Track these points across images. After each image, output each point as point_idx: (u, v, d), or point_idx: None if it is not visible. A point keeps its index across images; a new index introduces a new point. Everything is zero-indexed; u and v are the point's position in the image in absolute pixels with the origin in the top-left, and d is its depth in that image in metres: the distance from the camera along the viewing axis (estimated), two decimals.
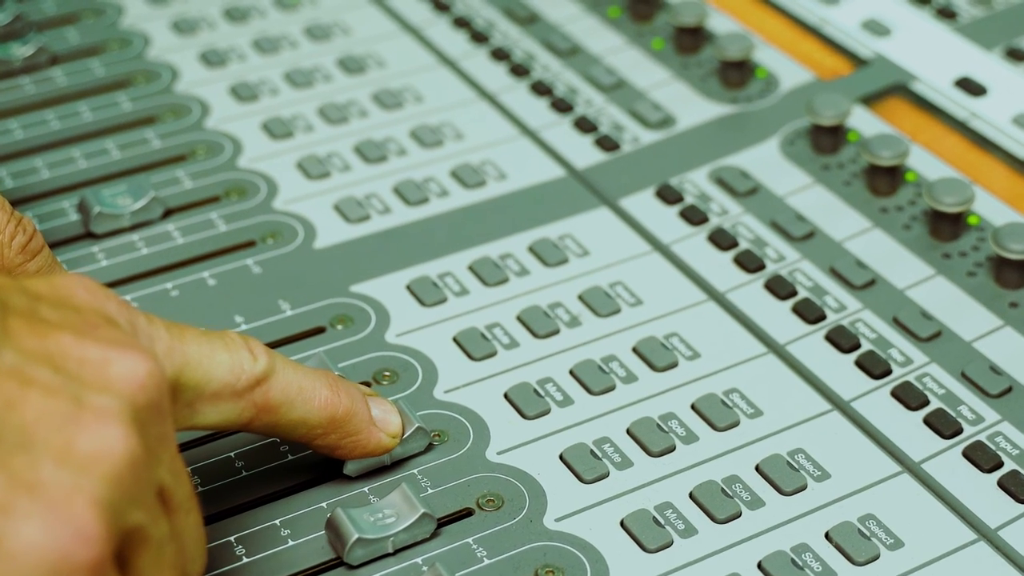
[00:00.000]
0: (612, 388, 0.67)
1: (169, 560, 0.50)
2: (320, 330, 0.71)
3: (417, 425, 0.63)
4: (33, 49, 0.88)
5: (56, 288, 0.52)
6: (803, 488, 0.63)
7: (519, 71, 0.88)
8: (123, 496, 0.47)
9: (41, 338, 0.48)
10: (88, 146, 0.83)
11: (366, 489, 0.62)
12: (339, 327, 0.71)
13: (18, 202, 0.78)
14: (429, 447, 0.64)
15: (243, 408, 0.57)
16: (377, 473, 0.63)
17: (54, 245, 0.75)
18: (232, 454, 0.64)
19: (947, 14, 0.90)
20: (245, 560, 0.60)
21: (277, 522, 0.61)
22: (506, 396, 0.67)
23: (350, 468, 0.62)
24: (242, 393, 0.56)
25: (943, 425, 0.65)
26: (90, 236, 0.76)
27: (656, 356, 0.69)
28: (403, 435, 0.63)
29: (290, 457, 0.64)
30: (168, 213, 0.78)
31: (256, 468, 0.63)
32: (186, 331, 0.55)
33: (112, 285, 0.73)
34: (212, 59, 0.90)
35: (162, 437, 0.51)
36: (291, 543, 0.60)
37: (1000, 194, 0.77)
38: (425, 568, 0.59)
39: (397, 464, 0.63)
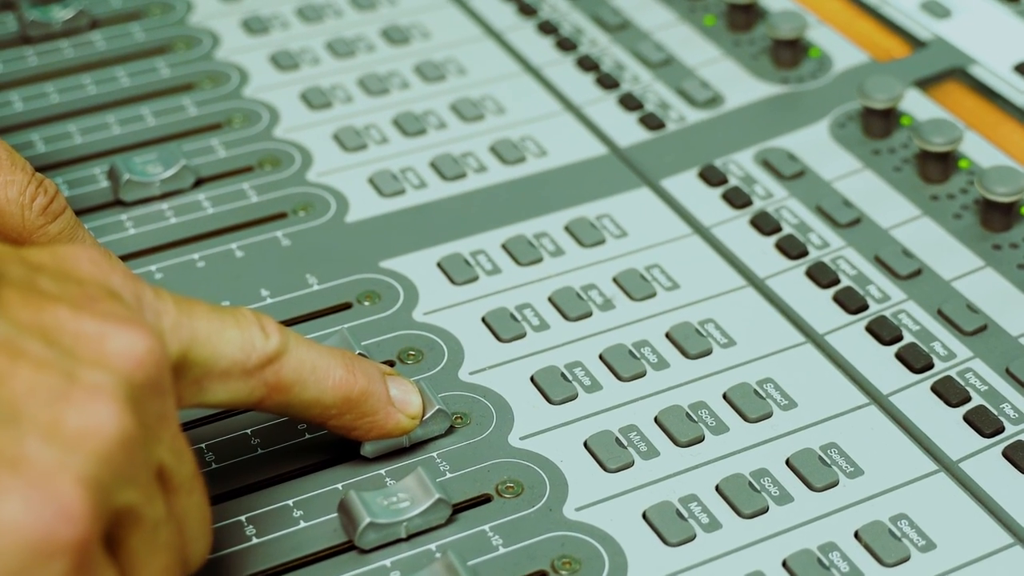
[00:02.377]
0: (642, 374, 0.65)
1: (164, 542, 0.49)
2: (347, 306, 0.69)
3: (438, 407, 0.61)
4: (73, 12, 0.87)
5: (59, 259, 0.50)
6: (834, 484, 0.60)
7: (566, 45, 0.86)
8: (113, 475, 0.46)
9: (36, 310, 0.47)
10: (123, 112, 0.81)
11: (383, 471, 0.61)
12: (366, 303, 0.69)
13: (49, 167, 0.77)
14: (450, 429, 0.62)
15: (254, 387, 0.55)
16: (395, 455, 0.61)
17: (83, 212, 0.74)
18: (248, 431, 0.63)
19: None
20: (255, 541, 0.58)
21: (290, 502, 0.60)
22: (532, 380, 0.65)
23: (367, 449, 0.61)
24: (253, 372, 0.55)
25: (984, 423, 0.63)
26: (119, 204, 0.75)
27: (689, 343, 0.67)
28: (423, 416, 0.61)
29: (307, 436, 0.63)
30: (200, 182, 0.76)
31: (272, 446, 0.62)
32: (196, 306, 0.53)
33: (138, 254, 0.72)
34: (255, 26, 0.88)
35: (162, 415, 0.49)
36: (303, 524, 0.59)
37: None
38: (438, 555, 0.57)
39: (416, 446, 0.61)
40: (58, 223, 0.64)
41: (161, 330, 0.51)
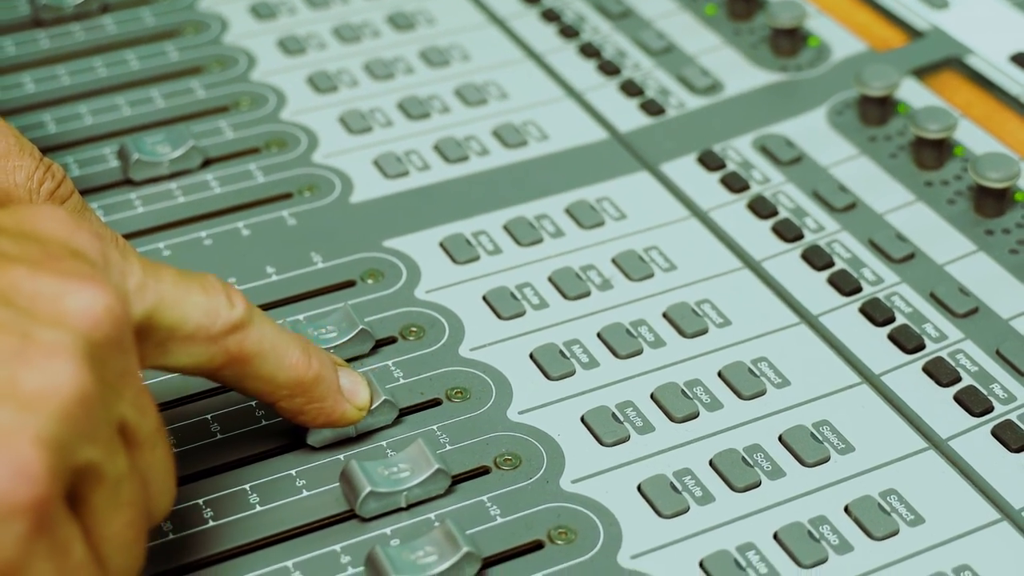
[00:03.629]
0: (639, 352, 0.67)
1: (127, 497, 0.50)
2: (350, 283, 0.70)
3: (385, 398, 0.62)
4: None
5: (21, 220, 0.51)
6: (826, 460, 0.62)
7: (568, 32, 0.88)
8: (72, 433, 0.46)
9: None
10: (133, 94, 0.83)
11: (384, 443, 0.62)
12: (369, 281, 0.70)
13: (60, 147, 0.78)
14: (397, 420, 0.63)
15: (215, 353, 0.56)
16: (393, 429, 0.63)
17: (93, 190, 0.75)
18: (253, 403, 0.64)
19: None
20: (259, 509, 0.60)
21: (293, 472, 0.61)
22: (531, 356, 0.66)
23: (313, 438, 0.62)
24: (216, 338, 0.55)
25: (973, 403, 0.64)
26: (128, 183, 0.76)
27: (686, 322, 0.68)
28: (371, 407, 0.62)
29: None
30: (207, 163, 0.78)
31: (276, 418, 0.63)
32: (163, 269, 0.54)
33: (147, 232, 0.73)
34: (262, 12, 0.90)
35: (123, 372, 0.50)
36: (305, 493, 0.60)
37: None
38: (437, 524, 0.58)
39: (364, 436, 0.62)
40: (65, 207, 0.64)
41: (126, 290, 0.51)
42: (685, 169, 0.77)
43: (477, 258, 0.72)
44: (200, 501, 0.60)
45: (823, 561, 0.58)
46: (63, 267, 0.49)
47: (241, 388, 0.58)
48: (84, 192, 0.73)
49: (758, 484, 0.61)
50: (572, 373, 0.65)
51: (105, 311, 0.48)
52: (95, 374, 0.47)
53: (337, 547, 0.58)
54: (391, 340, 0.67)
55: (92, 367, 0.47)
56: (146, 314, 0.53)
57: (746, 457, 0.62)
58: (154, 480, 0.52)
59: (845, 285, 0.70)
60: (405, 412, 0.64)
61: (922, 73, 0.83)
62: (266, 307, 0.68)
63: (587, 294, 0.70)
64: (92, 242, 0.51)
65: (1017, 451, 0.62)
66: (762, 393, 0.65)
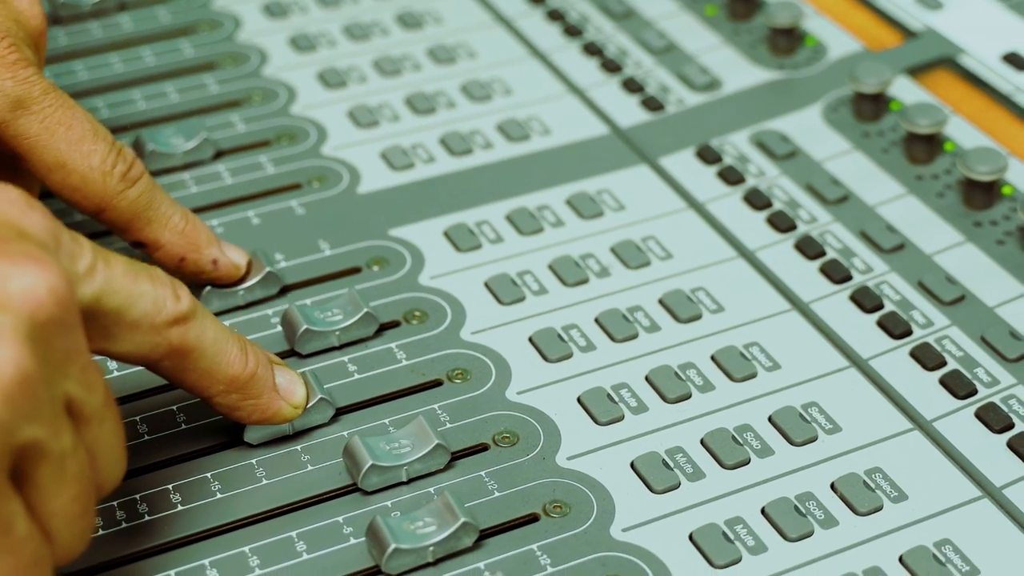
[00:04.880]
0: (635, 336, 0.69)
1: (73, 473, 0.51)
2: (356, 270, 0.73)
3: (321, 396, 0.63)
4: None
5: None
6: (813, 439, 0.64)
7: (572, 32, 0.90)
8: (13, 414, 0.47)
9: None
10: (148, 89, 0.85)
11: (386, 421, 0.64)
12: (375, 268, 0.73)
13: None
14: (335, 418, 0.65)
15: (157, 343, 0.57)
16: (397, 410, 0.65)
17: None
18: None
19: None
20: (265, 482, 0.62)
21: (298, 448, 0.63)
22: (530, 340, 0.69)
23: (251, 436, 0.63)
24: (160, 328, 0.57)
25: (958, 386, 0.66)
26: None
27: (681, 308, 0.70)
28: (307, 406, 0.63)
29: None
30: (220, 154, 0.80)
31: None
32: (113, 256, 0.55)
33: None
34: (275, 11, 0.92)
35: (68, 351, 0.50)
36: (310, 468, 0.62)
37: None
38: (436, 496, 0.61)
39: (300, 434, 0.64)
40: (136, 188, 0.67)
41: (74, 271, 0.53)
42: (683, 163, 0.80)
43: (479, 246, 0.74)
44: (208, 475, 0.62)
45: (809, 534, 0.60)
46: (9, 248, 0.49)
47: (179, 381, 0.60)
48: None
49: (747, 462, 0.63)
50: (569, 356, 0.68)
51: (48, 292, 0.49)
52: (37, 355, 0.48)
53: (340, 518, 0.60)
54: (395, 324, 0.69)
55: (34, 348, 0.48)
56: (94, 297, 0.54)
57: (736, 436, 0.64)
58: (102, 453, 0.53)
59: (836, 273, 0.72)
60: (406, 392, 0.66)
61: (916, 72, 0.85)
62: (275, 292, 0.70)
63: (585, 281, 0.72)
64: (42, 223, 0.52)
65: (999, 432, 0.64)
66: (753, 376, 0.67)
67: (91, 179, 0.66)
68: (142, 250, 0.68)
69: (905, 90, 0.83)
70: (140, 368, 0.63)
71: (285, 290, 0.71)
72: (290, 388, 0.63)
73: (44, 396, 0.49)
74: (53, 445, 0.50)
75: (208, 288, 0.70)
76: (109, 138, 0.67)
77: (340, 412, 0.65)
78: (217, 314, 0.69)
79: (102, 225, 0.68)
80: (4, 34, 0.65)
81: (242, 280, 0.70)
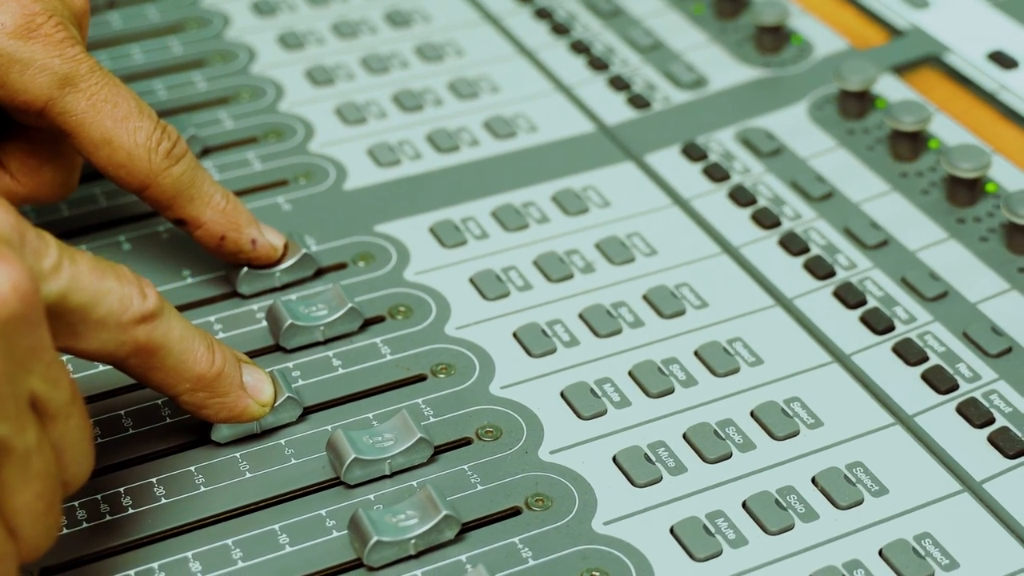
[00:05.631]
0: (618, 332, 0.69)
1: (38, 470, 0.51)
2: (342, 266, 0.73)
3: (288, 395, 0.63)
4: None
5: None
6: (795, 434, 0.64)
7: (560, 29, 0.90)
8: None
9: None
10: (137, 86, 0.85)
11: (370, 415, 0.65)
12: (360, 263, 0.73)
13: None
14: (302, 417, 0.65)
15: (123, 342, 0.57)
16: (381, 404, 0.65)
17: (98, 177, 0.78)
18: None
19: None
20: (248, 475, 0.62)
21: (282, 442, 0.64)
22: (514, 335, 0.69)
23: (219, 434, 0.63)
24: (126, 327, 0.56)
25: (939, 381, 0.66)
26: None
27: (664, 303, 0.70)
28: (274, 404, 0.63)
29: (302, 383, 0.66)
30: (207, 151, 0.80)
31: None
32: (79, 254, 0.55)
33: (147, 216, 0.76)
34: (264, 8, 0.93)
35: (33, 348, 0.50)
36: (294, 461, 0.63)
37: None
38: (418, 490, 0.61)
39: (268, 432, 0.64)
40: (180, 165, 0.68)
41: (39, 269, 0.53)
42: (669, 160, 0.80)
43: (465, 242, 0.74)
44: (192, 468, 0.62)
45: (790, 528, 0.60)
46: None
47: (145, 379, 0.59)
48: (87, 178, 0.76)
49: (729, 456, 0.63)
50: (553, 351, 0.68)
51: (12, 289, 0.49)
52: (1, 351, 0.48)
53: (323, 511, 0.61)
54: (379, 319, 0.70)
55: None
56: (59, 294, 0.53)
57: (718, 430, 0.64)
58: (68, 450, 0.53)
59: (819, 270, 0.72)
60: (390, 387, 0.66)
61: (902, 70, 0.85)
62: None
63: (570, 277, 0.72)
64: (6, 220, 0.52)
65: (980, 427, 0.64)
66: (736, 371, 0.67)
67: (136, 155, 0.66)
68: (183, 228, 0.69)
69: (891, 88, 0.83)
70: None
71: (320, 272, 0.72)
72: (258, 386, 0.63)
73: (8, 393, 0.49)
74: (17, 442, 0.50)
75: (245, 269, 0.70)
76: (154, 116, 0.68)
77: (324, 406, 0.65)
78: (253, 295, 0.70)
79: (145, 203, 0.68)
80: (51, 13, 0.66)
81: (279, 262, 0.70)
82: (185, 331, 0.59)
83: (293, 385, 0.65)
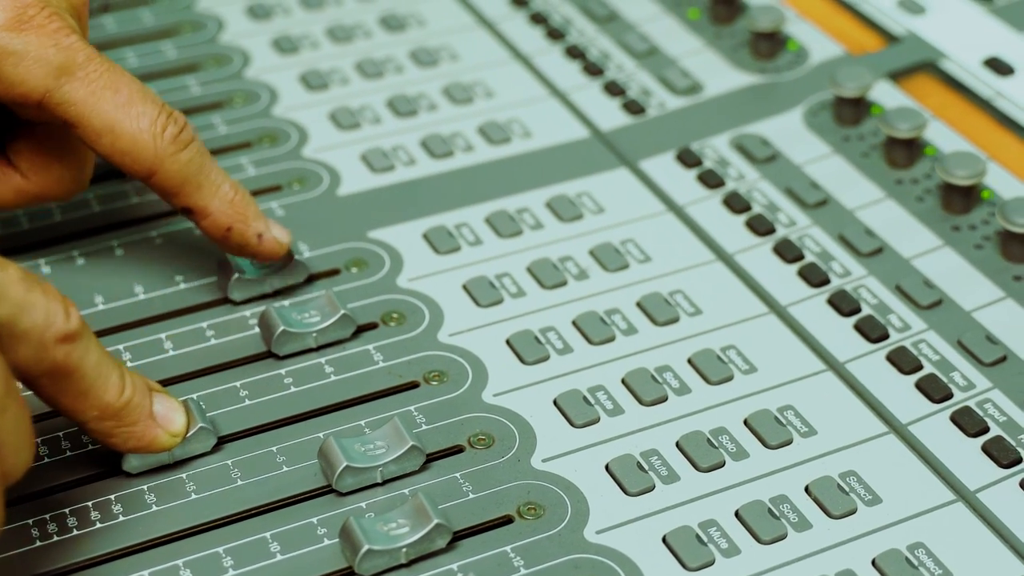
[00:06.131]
0: (612, 339, 0.69)
1: None
2: (335, 272, 0.73)
3: (201, 425, 0.62)
4: None
5: None
6: (788, 443, 0.64)
7: (555, 35, 0.90)
8: None
9: None
10: None
11: (362, 422, 0.65)
12: (353, 270, 0.73)
13: None
14: (216, 447, 0.63)
15: (41, 359, 0.56)
16: (373, 411, 0.65)
17: (90, 182, 0.78)
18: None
19: None
20: (240, 482, 0.62)
21: (274, 449, 0.63)
22: (508, 342, 0.69)
23: (129, 464, 0.62)
24: (47, 344, 0.56)
25: (933, 390, 0.66)
26: (122, 175, 0.78)
27: (658, 311, 0.70)
28: (187, 434, 0.62)
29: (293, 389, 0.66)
30: None
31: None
32: (8, 264, 0.55)
33: (139, 221, 0.76)
34: (258, 12, 0.92)
35: None
36: (285, 469, 0.62)
37: (1020, 172, 0.78)
38: (410, 498, 0.61)
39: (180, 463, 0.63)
40: (187, 151, 0.67)
41: None
42: (663, 166, 0.80)
43: (458, 248, 0.74)
44: (183, 475, 0.62)
45: (783, 537, 0.60)
46: None
47: (54, 402, 0.58)
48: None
49: (722, 464, 0.63)
50: (546, 358, 0.68)
51: None
52: None
53: (314, 519, 0.60)
54: (372, 326, 0.69)
55: None
56: None
57: (711, 439, 0.64)
58: (6, 443, 0.52)
59: (814, 277, 0.72)
60: (383, 394, 0.66)
61: (897, 76, 0.85)
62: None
63: (564, 283, 0.72)
64: None
65: (974, 436, 0.64)
66: (729, 379, 0.67)
67: (141, 141, 0.65)
68: (190, 217, 0.68)
69: (886, 94, 0.83)
70: None
71: (313, 278, 0.72)
72: (168, 416, 0.61)
73: None
74: None
75: (236, 276, 0.70)
76: (158, 101, 0.67)
77: (316, 413, 0.65)
78: (245, 302, 0.70)
79: (152, 190, 0.67)
80: (44, 4, 0.65)
81: (286, 261, 0.70)
82: (101, 357, 0.58)
83: (209, 414, 0.64)
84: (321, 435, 0.64)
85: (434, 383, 0.67)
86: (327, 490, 0.62)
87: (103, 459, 0.62)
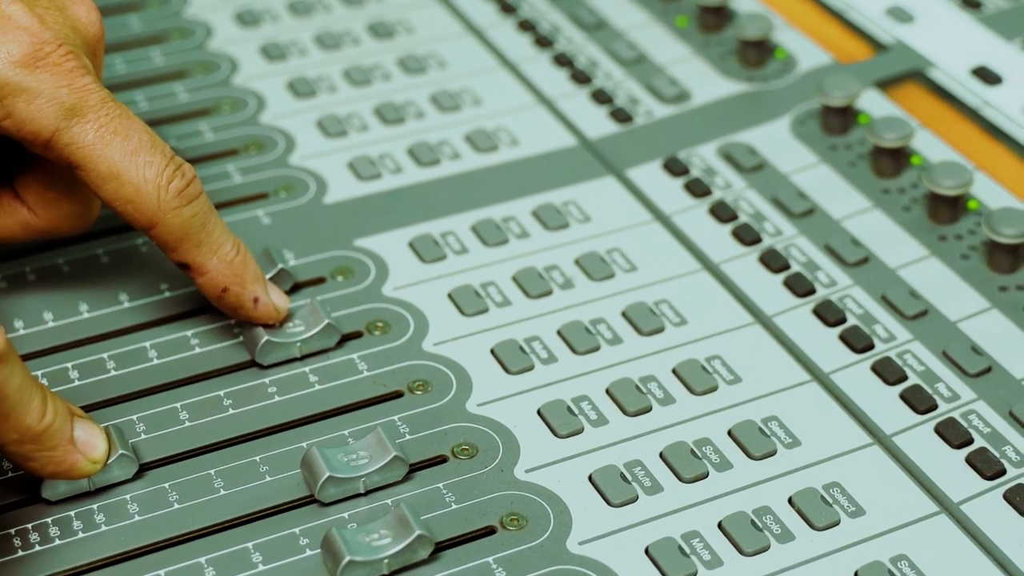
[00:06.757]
0: (596, 349, 0.69)
1: None
2: (320, 280, 0.73)
3: (122, 452, 0.61)
4: None
5: None
6: (772, 453, 0.64)
7: (543, 42, 0.90)
8: None
9: None
10: (119, 97, 0.83)
11: (346, 432, 0.64)
12: (339, 278, 0.73)
13: None
14: (139, 473, 0.63)
15: None
16: (357, 421, 0.65)
17: None
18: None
19: (972, 3, 0.91)
20: (222, 492, 0.62)
21: (257, 458, 0.63)
22: (492, 351, 0.69)
23: (48, 491, 0.61)
24: None
25: (918, 400, 0.66)
26: None
27: (643, 320, 0.70)
28: (107, 461, 0.61)
29: (277, 398, 0.66)
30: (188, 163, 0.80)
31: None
32: None
33: (124, 229, 0.75)
34: (247, 19, 0.92)
35: None
36: (268, 479, 0.62)
37: (1007, 183, 0.78)
38: (392, 509, 0.60)
39: (101, 490, 0.62)
40: (192, 207, 0.66)
41: None
42: (650, 175, 0.80)
43: (444, 257, 0.74)
44: (166, 485, 0.62)
45: (765, 549, 0.60)
46: None
47: None
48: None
49: (706, 475, 0.63)
50: (531, 368, 0.68)
51: None
52: None
53: (296, 530, 0.60)
54: (357, 335, 0.69)
55: None
56: None
57: (695, 450, 0.64)
58: None
59: (799, 287, 0.72)
60: (367, 403, 0.66)
61: (885, 85, 0.85)
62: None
63: (549, 293, 0.72)
64: None
65: (958, 447, 0.64)
66: (714, 389, 0.67)
67: (145, 192, 0.64)
68: (187, 272, 0.67)
69: (874, 103, 0.83)
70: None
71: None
72: (89, 442, 0.60)
73: None
74: None
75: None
76: (168, 152, 0.66)
77: (300, 423, 0.65)
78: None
79: (152, 241, 0.67)
80: (61, 41, 0.64)
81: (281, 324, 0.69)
82: (24, 381, 0.57)
83: (131, 441, 0.63)
84: (304, 445, 0.64)
85: (418, 393, 0.66)
86: (310, 500, 0.62)
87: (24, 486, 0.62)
